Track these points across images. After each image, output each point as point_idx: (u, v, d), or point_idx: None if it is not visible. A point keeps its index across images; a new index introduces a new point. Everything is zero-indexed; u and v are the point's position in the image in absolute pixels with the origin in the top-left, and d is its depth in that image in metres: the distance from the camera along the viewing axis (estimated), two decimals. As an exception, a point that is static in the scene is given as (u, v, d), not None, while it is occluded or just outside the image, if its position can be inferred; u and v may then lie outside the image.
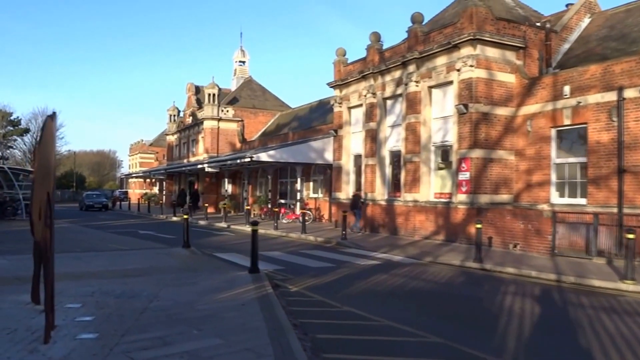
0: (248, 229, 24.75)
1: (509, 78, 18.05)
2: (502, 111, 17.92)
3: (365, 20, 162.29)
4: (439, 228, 18.66)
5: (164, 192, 53.43)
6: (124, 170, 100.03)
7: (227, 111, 43.01)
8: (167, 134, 55.50)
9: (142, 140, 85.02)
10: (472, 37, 17.24)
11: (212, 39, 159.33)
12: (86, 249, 15.06)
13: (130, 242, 17.86)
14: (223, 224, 26.58)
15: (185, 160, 47.48)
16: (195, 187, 44.85)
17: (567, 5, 21.54)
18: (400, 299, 9.26)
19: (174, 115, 53.95)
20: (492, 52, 17.73)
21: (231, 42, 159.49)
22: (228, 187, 39.48)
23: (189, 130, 47.34)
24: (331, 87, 25.24)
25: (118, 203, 52.97)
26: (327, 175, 28.43)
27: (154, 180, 61.30)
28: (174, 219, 32.61)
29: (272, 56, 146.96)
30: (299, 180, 28.83)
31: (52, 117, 5.87)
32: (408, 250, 16.12)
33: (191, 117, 46.61)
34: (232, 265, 12.35)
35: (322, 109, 36.35)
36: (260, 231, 23.72)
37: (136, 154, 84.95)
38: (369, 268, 12.87)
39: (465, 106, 17.50)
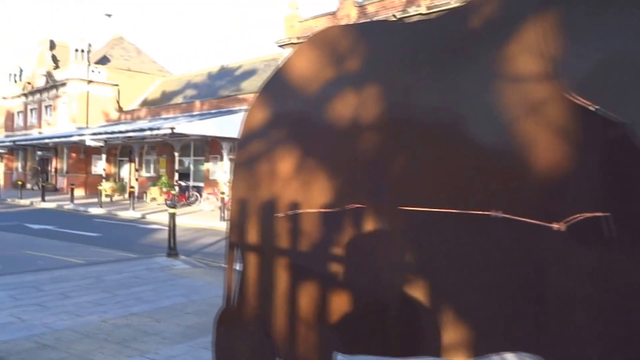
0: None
1: None
2: None
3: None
4: None
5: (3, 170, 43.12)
6: None
7: (100, 72, 35.24)
8: (4, 98, 44.63)
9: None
10: None
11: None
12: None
13: (59, 248, 11.72)
14: (134, 213, 20.68)
15: (35, 131, 38.39)
16: (55, 164, 36.46)
17: None
18: None
19: (16, 75, 43.56)
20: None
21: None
22: (103, 166, 32.12)
23: (42, 94, 38.23)
24: (280, 46, 20.74)
25: None
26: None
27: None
28: (44, 205, 25.36)
29: (141, 13, 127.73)
30: (225, 158, 23.83)
31: None
32: None
33: (45, 78, 37.60)
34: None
35: (229, 76, 31.29)
36: (202, 224, 18.38)
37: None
38: None
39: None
